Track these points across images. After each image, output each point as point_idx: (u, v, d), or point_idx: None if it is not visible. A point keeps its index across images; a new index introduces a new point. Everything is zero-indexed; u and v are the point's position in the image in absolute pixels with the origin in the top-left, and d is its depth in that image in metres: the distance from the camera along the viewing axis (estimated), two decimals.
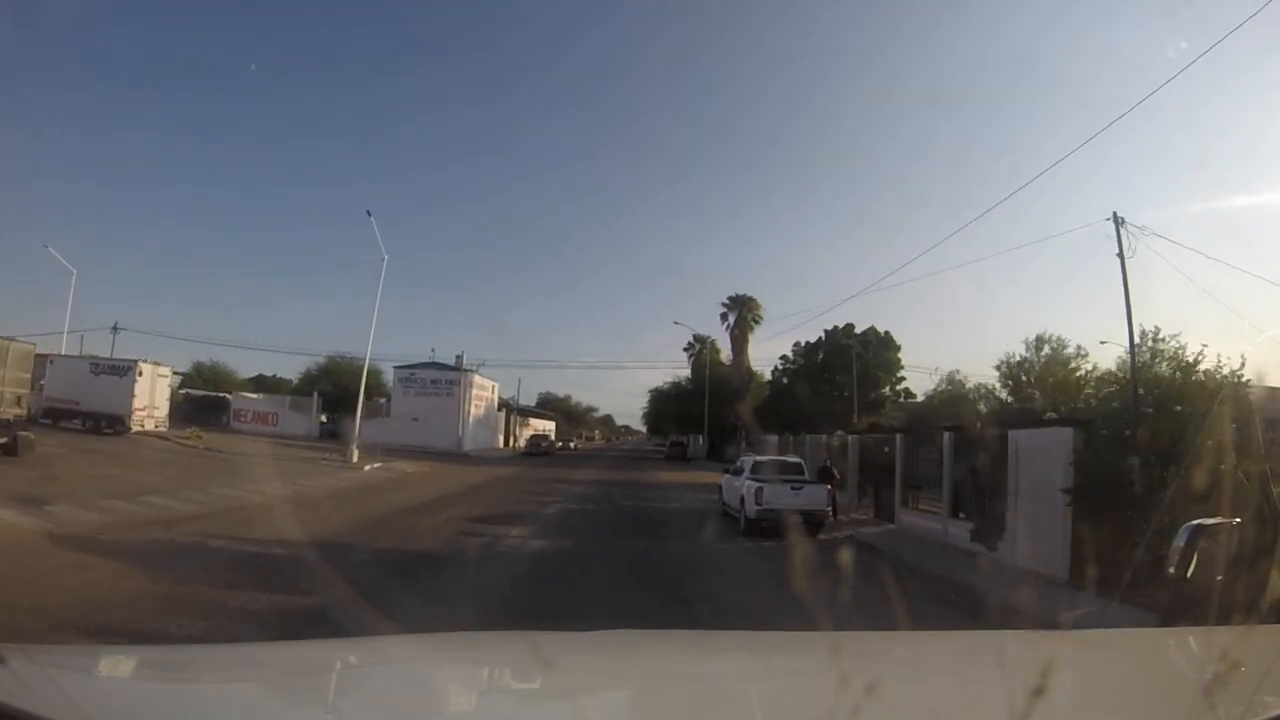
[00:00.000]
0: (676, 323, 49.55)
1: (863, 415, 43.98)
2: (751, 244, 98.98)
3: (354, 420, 42.35)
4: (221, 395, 48.49)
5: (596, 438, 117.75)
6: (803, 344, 47.26)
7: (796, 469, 15.26)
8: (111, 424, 30.06)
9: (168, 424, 32.20)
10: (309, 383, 52.97)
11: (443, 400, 44.55)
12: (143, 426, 30.33)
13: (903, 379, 45.56)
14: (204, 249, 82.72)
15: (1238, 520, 2.16)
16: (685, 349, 61.30)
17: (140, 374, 30.46)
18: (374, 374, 52.09)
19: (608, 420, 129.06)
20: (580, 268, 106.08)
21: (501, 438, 54.65)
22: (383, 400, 46.68)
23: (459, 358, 45.89)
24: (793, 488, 13.64)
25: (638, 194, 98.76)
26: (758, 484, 13.45)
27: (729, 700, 1.59)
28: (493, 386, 52.09)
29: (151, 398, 30.97)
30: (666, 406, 56.54)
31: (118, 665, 1.70)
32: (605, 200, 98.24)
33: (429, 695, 1.57)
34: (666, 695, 1.62)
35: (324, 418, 50.23)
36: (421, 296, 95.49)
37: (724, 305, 51.30)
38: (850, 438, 19.82)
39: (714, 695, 1.61)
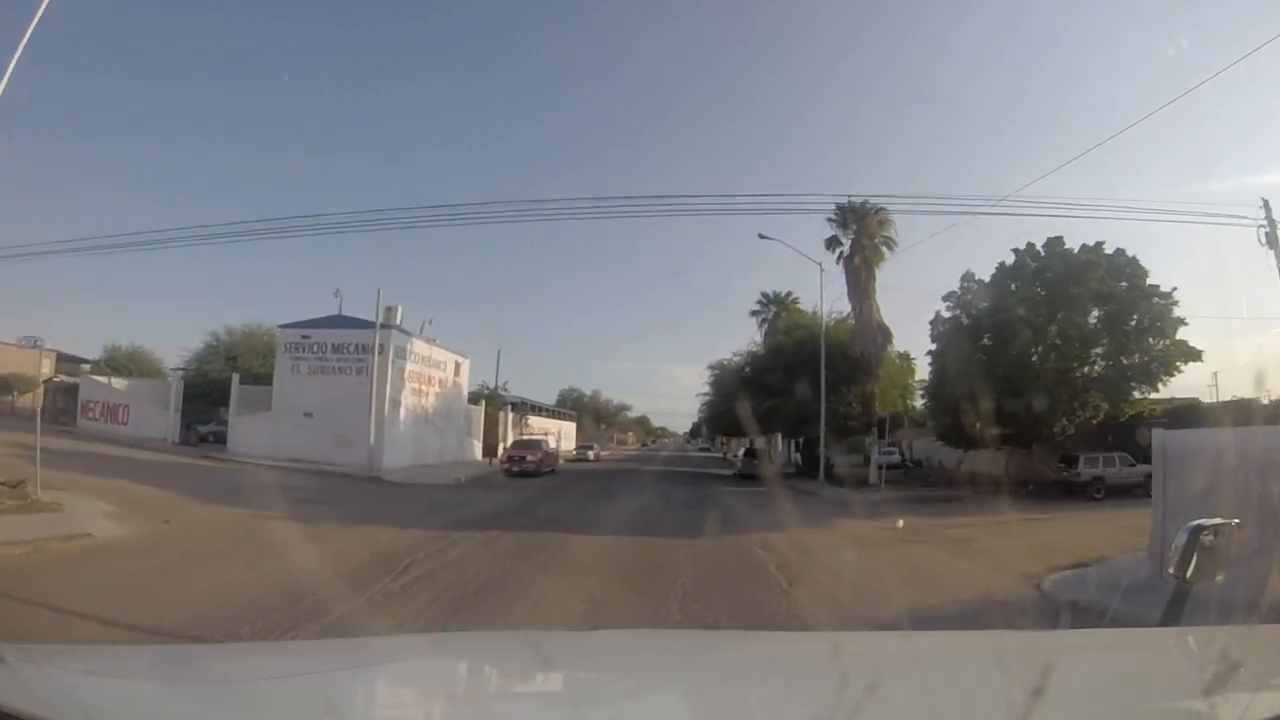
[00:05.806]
0: (762, 235, 27.89)
1: (1128, 390, 23.67)
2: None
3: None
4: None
5: (630, 441, 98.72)
6: (975, 278, 26.85)
7: None
8: None
9: None
10: (200, 363, 38.01)
11: (353, 381, 25.27)
12: None
13: (1183, 323, 24.42)
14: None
15: (1238, 520, 2.00)
16: (753, 313, 41.00)
17: None
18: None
19: (643, 421, 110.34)
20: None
21: (479, 445, 35.05)
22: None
23: (388, 310, 26.46)
24: None
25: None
26: None
27: (729, 700, 1.50)
28: (456, 363, 32.58)
29: None
30: (735, 392, 33.25)
31: (118, 665, 1.62)
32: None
33: (429, 695, 1.53)
34: (667, 695, 1.59)
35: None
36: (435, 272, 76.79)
37: (831, 221, 29.41)
38: None
39: (714, 695, 1.55)
